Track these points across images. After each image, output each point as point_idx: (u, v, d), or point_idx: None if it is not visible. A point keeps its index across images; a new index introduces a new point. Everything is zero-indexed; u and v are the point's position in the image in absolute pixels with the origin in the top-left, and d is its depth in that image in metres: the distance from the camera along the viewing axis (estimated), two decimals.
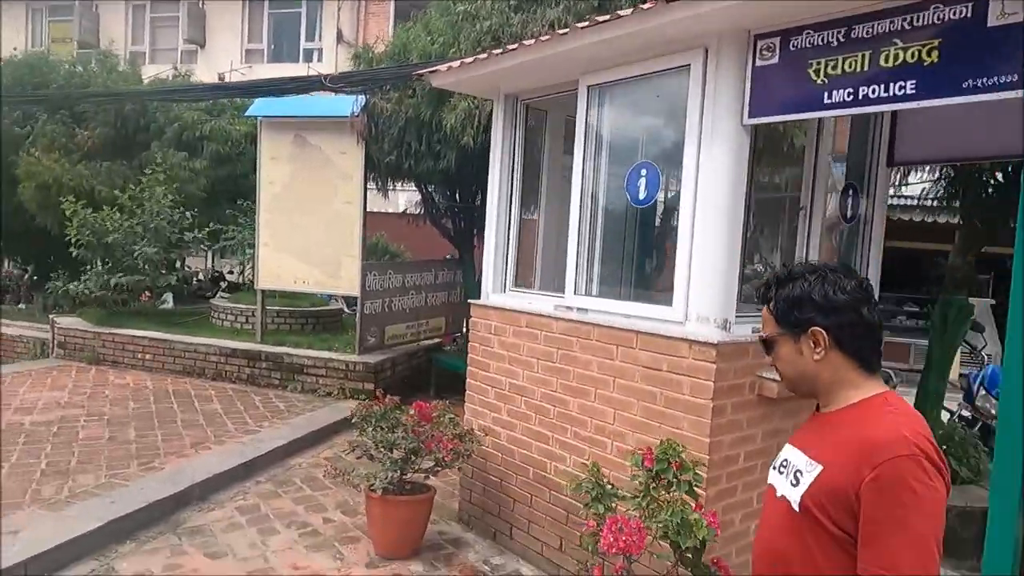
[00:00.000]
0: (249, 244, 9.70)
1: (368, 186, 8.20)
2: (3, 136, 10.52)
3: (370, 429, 4.08)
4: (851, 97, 2.69)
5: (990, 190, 5.22)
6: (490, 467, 4.35)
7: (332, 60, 15.79)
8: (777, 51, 2.93)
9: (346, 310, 10.48)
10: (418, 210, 9.71)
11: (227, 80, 14.43)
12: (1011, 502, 2.28)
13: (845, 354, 1.55)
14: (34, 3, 18.99)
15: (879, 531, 1.37)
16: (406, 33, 7.62)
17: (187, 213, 9.87)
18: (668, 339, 3.25)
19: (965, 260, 5.24)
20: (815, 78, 2.80)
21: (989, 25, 2.35)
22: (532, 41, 3.70)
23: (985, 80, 2.36)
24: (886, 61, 2.59)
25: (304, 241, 8.13)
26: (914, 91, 2.52)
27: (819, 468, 1.49)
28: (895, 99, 2.58)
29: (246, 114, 9.71)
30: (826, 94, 2.76)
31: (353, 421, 4.26)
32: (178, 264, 12.00)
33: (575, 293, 3.81)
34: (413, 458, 4.00)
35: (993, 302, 10.76)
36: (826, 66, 2.76)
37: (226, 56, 16.62)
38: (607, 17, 3.21)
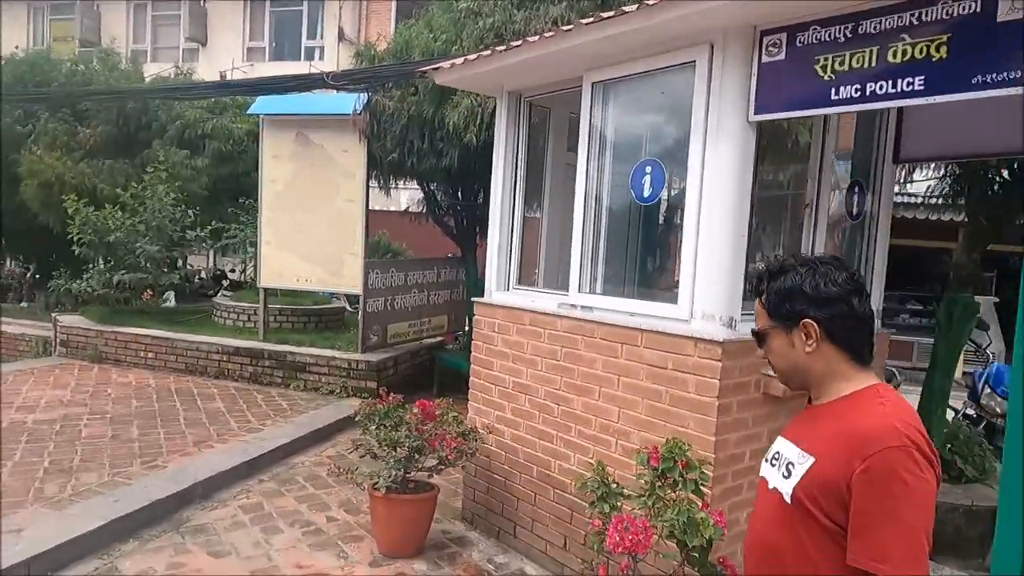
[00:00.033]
0: (251, 242, 9.71)
1: (370, 184, 8.21)
2: (5, 135, 10.52)
3: (373, 427, 4.06)
4: (858, 93, 2.67)
5: (996, 187, 5.19)
6: (494, 465, 4.34)
7: (334, 58, 15.81)
8: (783, 47, 2.91)
9: (348, 308, 10.48)
10: (420, 208, 9.70)
11: (229, 78, 14.42)
12: (1020, 501, 2.27)
13: (836, 346, 1.55)
14: (35, 2, 19.01)
15: (869, 522, 1.37)
16: (408, 30, 7.61)
17: (189, 211, 9.88)
18: (673, 337, 3.24)
19: (970, 258, 5.21)
20: (822, 74, 2.78)
21: (999, 20, 2.33)
22: (536, 38, 3.68)
23: (994, 76, 2.34)
24: (894, 57, 2.57)
25: (306, 239, 8.13)
26: (922, 87, 2.51)
27: (811, 460, 1.49)
28: (903, 95, 2.56)
29: (248, 112, 9.73)
30: (833, 90, 2.74)
31: (357, 419, 4.25)
32: (180, 262, 12.03)
33: (579, 291, 3.79)
34: (417, 456, 3.99)
35: (997, 300, 10.74)
36: (833, 62, 2.74)
37: (228, 54, 16.65)
38: (612, 13, 3.19)
